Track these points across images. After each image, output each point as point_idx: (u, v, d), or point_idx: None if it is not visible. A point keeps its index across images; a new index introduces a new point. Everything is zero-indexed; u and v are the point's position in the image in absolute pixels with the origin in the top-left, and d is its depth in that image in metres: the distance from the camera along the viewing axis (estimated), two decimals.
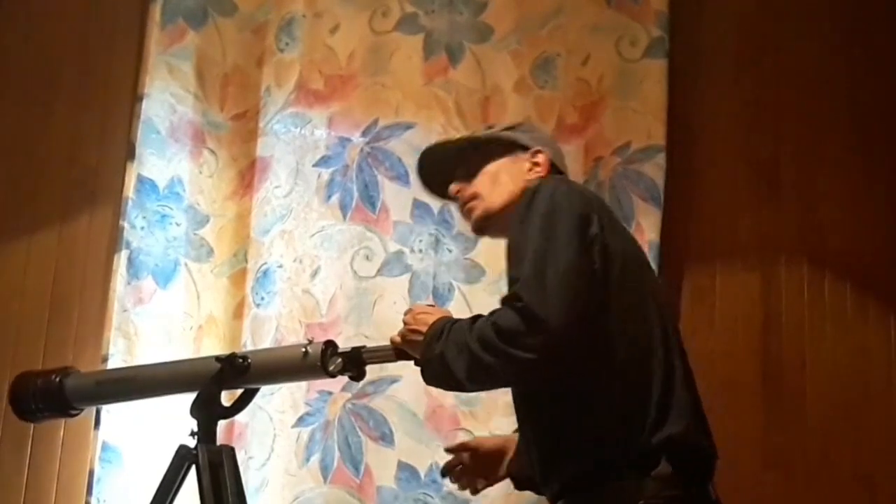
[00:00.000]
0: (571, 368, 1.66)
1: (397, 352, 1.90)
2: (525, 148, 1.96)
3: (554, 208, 1.71)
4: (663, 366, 1.72)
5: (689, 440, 1.68)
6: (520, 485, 2.01)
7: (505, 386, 1.84)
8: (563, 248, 1.67)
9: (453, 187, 1.99)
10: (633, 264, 1.80)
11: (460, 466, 2.02)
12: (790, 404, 2.73)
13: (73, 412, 2.08)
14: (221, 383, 1.98)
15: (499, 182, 1.93)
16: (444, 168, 2.03)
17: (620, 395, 1.68)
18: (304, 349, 1.91)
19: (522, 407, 1.84)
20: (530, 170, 1.94)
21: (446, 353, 1.71)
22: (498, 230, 1.94)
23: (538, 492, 1.92)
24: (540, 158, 1.94)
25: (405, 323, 1.85)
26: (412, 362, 1.86)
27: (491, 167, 1.94)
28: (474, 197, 1.95)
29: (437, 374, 1.75)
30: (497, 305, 1.71)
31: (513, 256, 1.73)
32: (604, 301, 1.69)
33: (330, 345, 1.91)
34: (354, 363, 1.92)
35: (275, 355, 2.13)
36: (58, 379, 2.04)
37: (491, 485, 2.04)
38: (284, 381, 2.43)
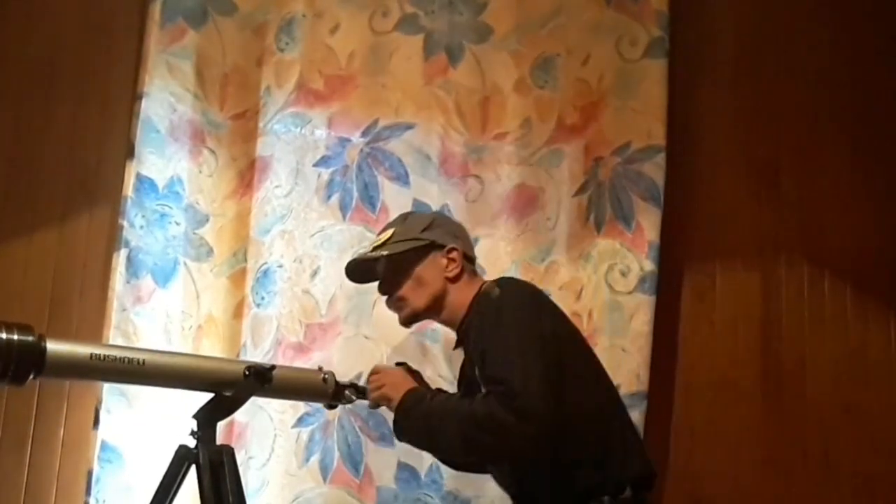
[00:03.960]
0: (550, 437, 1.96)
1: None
2: (441, 246, 2.23)
3: (520, 320, 2.02)
4: (617, 417, 2.12)
5: (645, 472, 2.07)
6: None
7: (492, 463, 2.19)
8: (539, 352, 1.97)
9: (383, 295, 2.29)
10: (572, 339, 2.15)
11: None
12: (790, 404, 2.73)
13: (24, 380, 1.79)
14: (249, 393, 2.00)
15: (422, 285, 2.22)
16: (371, 275, 2.33)
17: (591, 446, 2.02)
18: (323, 377, 2.19)
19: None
20: (447, 266, 2.22)
21: (431, 421, 2.04)
22: (432, 319, 2.29)
23: None
24: (454, 255, 2.23)
25: (372, 382, 2.20)
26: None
27: (413, 273, 2.22)
28: (401, 300, 2.24)
29: (414, 432, 2.09)
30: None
31: (489, 358, 1.99)
32: (561, 377, 2.00)
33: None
34: (358, 397, 2.24)
35: (295, 375, 2.23)
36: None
37: None
38: (290, 399, 2.52)
